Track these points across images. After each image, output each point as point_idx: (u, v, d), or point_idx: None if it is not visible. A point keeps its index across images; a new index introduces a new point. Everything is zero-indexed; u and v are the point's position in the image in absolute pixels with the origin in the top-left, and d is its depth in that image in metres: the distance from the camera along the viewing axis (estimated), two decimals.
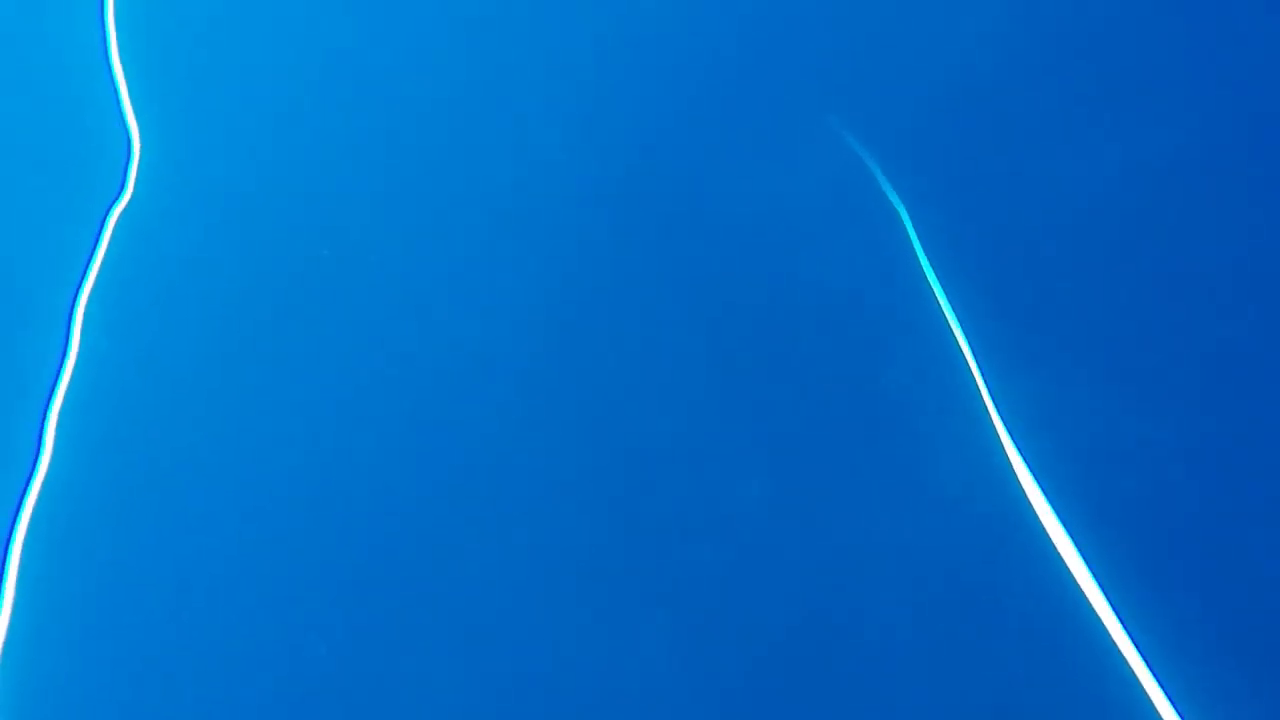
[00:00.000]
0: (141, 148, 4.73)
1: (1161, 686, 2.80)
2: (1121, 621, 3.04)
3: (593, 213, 4.49)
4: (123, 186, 4.57)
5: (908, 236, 4.44)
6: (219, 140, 4.74)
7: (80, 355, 4.21)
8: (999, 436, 3.64)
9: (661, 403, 4.12)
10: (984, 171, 4.59)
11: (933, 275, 4.32)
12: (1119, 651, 2.97)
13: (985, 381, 3.83)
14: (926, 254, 4.39)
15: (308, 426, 4.11)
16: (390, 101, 4.80)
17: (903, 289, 4.36)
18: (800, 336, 4.27)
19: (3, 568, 3.71)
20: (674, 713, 3.46)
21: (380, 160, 4.66)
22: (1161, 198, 4.35)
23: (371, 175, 4.61)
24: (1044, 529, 3.31)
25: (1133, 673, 2.99)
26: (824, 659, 3.48)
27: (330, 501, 3.95)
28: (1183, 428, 3.81)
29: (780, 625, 3.57)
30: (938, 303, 4.23)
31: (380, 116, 4.75)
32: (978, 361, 3.90)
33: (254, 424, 4.11)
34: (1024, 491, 3.45)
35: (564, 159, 4.61)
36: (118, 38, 4.97)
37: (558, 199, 4.49)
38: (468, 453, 4.03)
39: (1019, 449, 3.55)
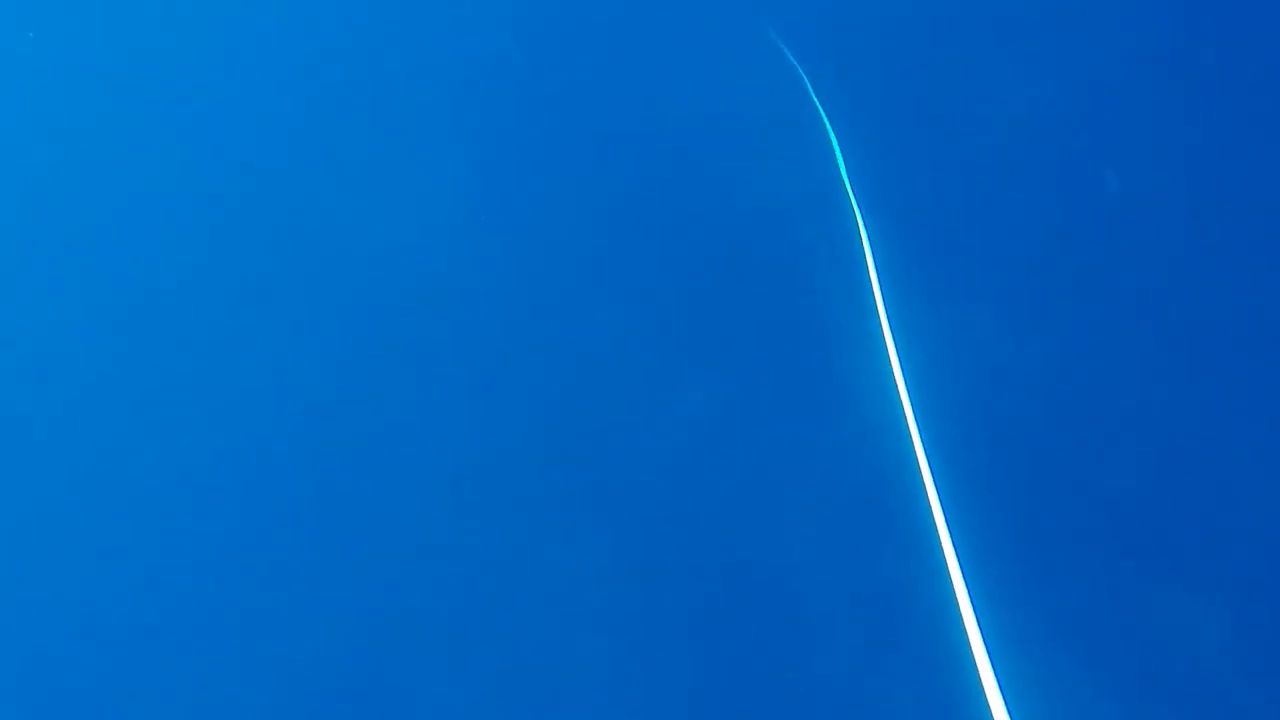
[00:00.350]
0: None
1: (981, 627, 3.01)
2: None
3: (530, 120, 4.54)
4: None
5: (834, 152, 4.54)
6: None
7: None
8: (893, 371, 3.81)
9: (591, 310, 4.27)
10: (911, 90, 4.67)
11: (852, 195, 4.43)
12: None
13: (886, 308, 3.97)
14: (849, 170, 4.50)
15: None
16: None
17: (825, 204, 4.48)
18: (724, 248, 4.39)
19: None
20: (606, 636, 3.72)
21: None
22: (1075, 129, 4.43)
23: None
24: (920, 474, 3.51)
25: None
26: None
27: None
28: (1065, 352, 4.00)
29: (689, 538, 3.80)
30: (855, 219, 4.35)
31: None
32: (883, 287, 4.04)
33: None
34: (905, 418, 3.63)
35: (500, 65, 4.64)
36: None
37: (496, 107, 4.53)
38: (402, 364, 4.20)
39: (907, 385, 3.73)
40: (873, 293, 4.14)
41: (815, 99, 4.64)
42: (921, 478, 3.36)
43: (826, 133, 4.61)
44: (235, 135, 4.71)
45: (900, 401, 3.68)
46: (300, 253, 4.47)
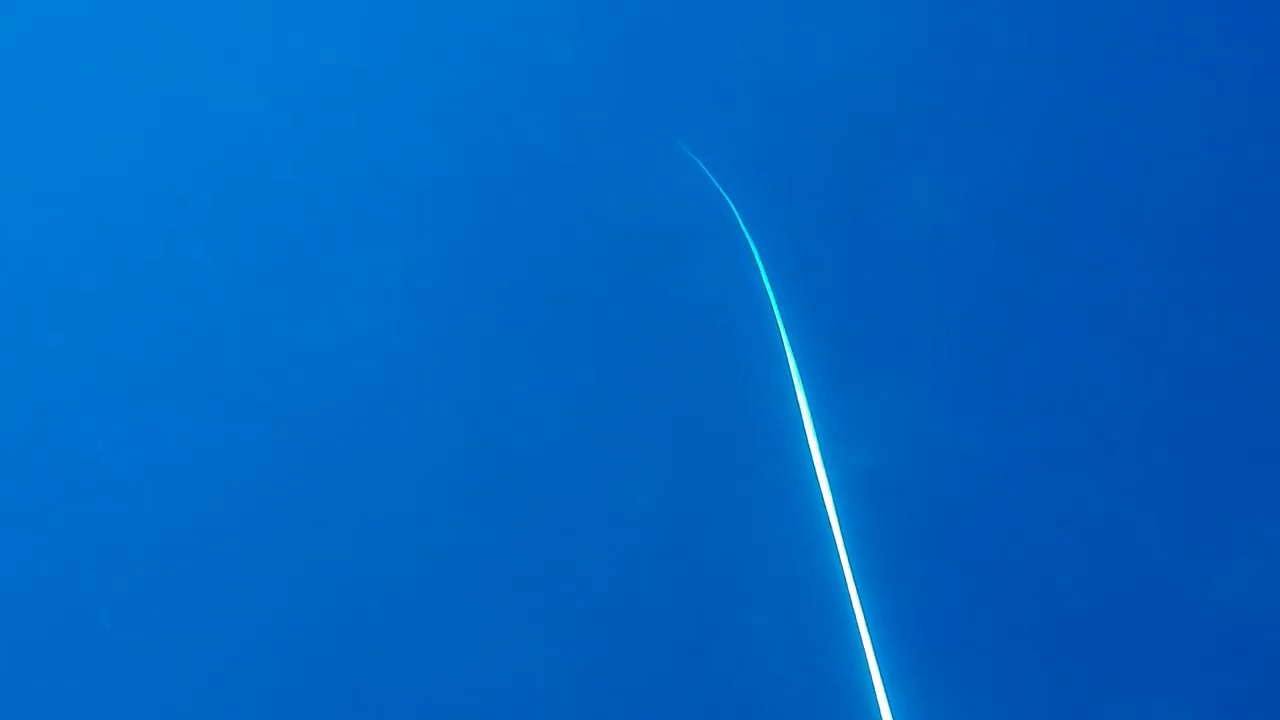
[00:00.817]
0: None
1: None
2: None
3: (463, 225, 4.76)
4: None
5: (753, 256, 4.77)
6: None
7: None
8: (810, 449, 4.00)
9: (515, 404, 4.44)
10: (826, 196, 4.94)
11: (772, 294, 4.65)
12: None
13: (806, 394, 4.17)
14: (768, 271, 4.73)
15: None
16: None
17: (747, 305, 4.70)
18: (652, 349, 4.61)
19: None
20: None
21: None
22: (986, 223, 4.69)
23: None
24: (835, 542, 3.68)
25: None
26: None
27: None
28: (983, 437, 4.21)
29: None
30: (776, 320, 4.56)
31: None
32: (802, 375, 4.24)
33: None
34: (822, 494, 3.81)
35: (438, 175, 4.87)
36: None
37: (431, 211, 4.75)
38: (350, 460, 4.34)
39: (824, 462, 3.92)
40: (794, 386, 4.34)
41: (730, 202, 4.87)
42: (847, 582, 3.51)
43: (744, 236, 4.83)
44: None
45: (824, 501, 3.86)
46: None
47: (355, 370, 4.56)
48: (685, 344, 4.72)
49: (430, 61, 5.20)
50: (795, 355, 4.38)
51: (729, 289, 4.77)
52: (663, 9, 5.29)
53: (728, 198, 4.90)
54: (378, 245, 4.79)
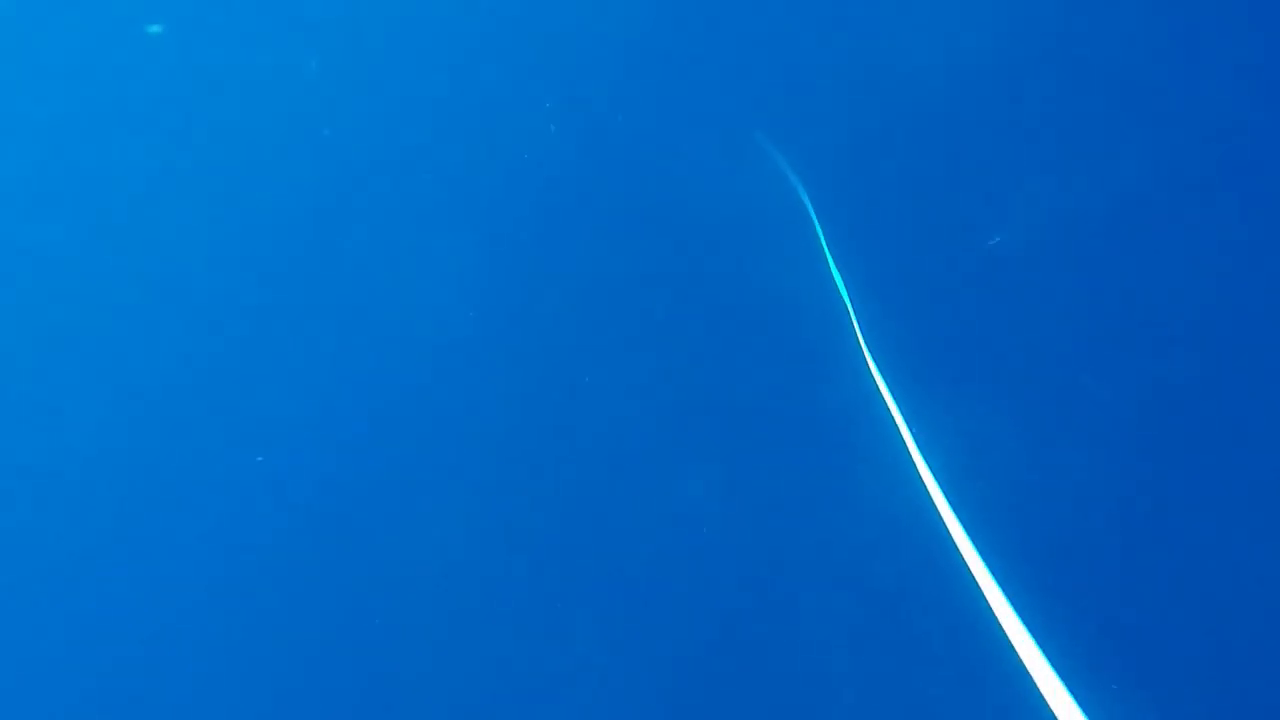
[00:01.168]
0: None
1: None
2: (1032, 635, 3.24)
3: (539, 216, 4.64)
4: None
5: (823, 249, 4.66)
6: None
7: None
8: (915, 465, 3.83)
9: (599, 397, 4.32)
10: (905, 190, 4.80)
11: (845, 291, 4.53)
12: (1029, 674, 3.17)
13: (901, 409, 4.00)
14: (841, 270, 4.61)
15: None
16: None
17: (816, 298, 4.58)
18: (726, 341, 4.50)
19: None
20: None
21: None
22: (1080, 241, 4.48)
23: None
24: (959, 553, 3.52)
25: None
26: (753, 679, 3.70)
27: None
28: (1094, 462, 4.05)
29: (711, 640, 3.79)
30: (850, 318, 4.44)
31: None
32: (894, 394, 4.07)
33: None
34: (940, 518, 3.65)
35: (511, 165, 4.75)
36: None
37: (523, 206, 4.62)
38: (409, 451, 4.22)
39: (935, 478, 3.76)
40: (876, 385, 4.20)
41: (804, 195, 4.76)
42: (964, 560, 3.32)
43: (815, 230, 4.73)
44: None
45: (926, 491, 3.68)
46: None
47: (417, 359, 4.45)
48: (752, 338, 4.60)
49: (507, 50, 5.09)
50: (871, 354, 4.24)
51: (799, 282, 4.66)
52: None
53: (801, 190, 4.79)
54: (452, 234, 4.67)
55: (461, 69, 4.95)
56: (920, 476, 3.76)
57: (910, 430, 3.91)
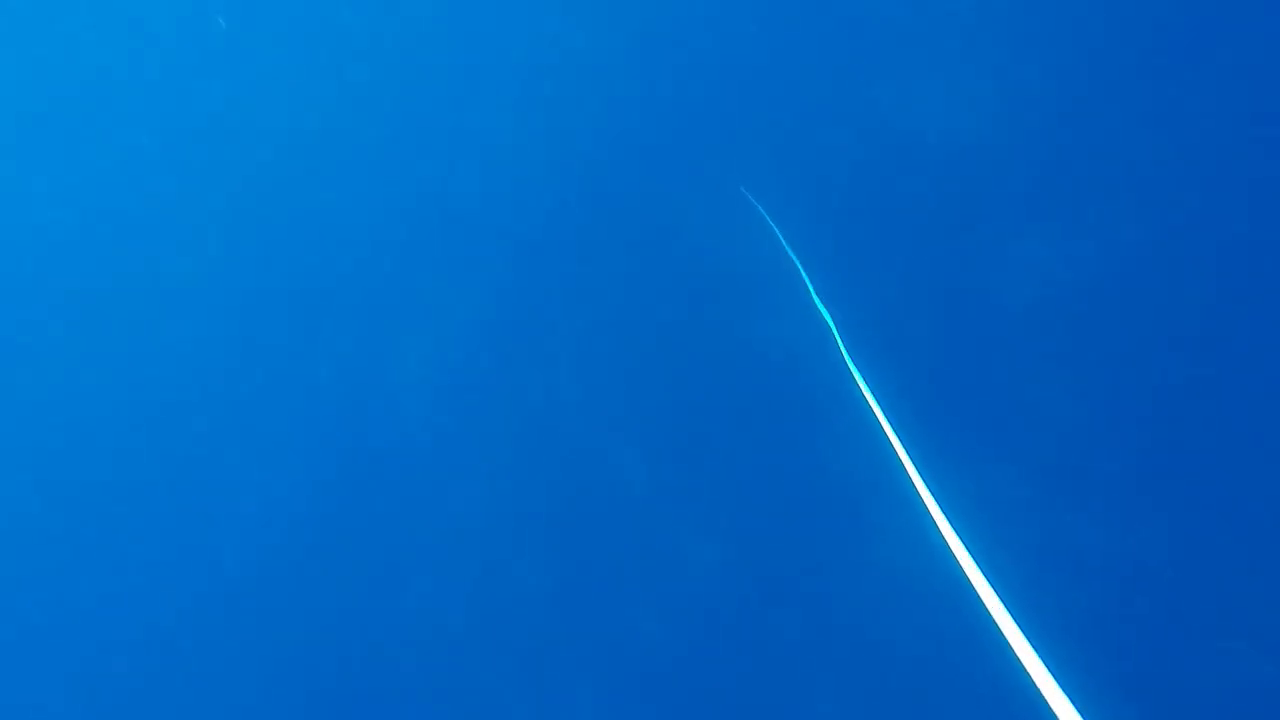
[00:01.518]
0: None
1: None
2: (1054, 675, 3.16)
3: (525, 264, 4.59)
4: None
5: (811, 294, 4.59)
6: None
7: None
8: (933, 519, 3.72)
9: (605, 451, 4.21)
10: (893, 255, 4.77)
11: (845, 351, 4.47)
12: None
13: (916, 465, 3.88)
14: (834, 321, 4.55)
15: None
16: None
17: (809, 349, 4.50)
18: (729, 398, 4.41)
19: None
20: None
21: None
22: (1079, 299, 4.40)
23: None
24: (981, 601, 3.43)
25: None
26: None
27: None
28: (1111, 529, 3.97)
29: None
30: (853, 375, 4.36)
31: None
32: (910, 452, 3.94)
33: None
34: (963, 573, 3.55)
35: (501, 217, 4.70)
36: None
37: (513, 245, 4.58)
38: (421, 515, 4.09)
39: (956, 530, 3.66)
40: (887, 437, 4.13)
41: (784, 242, 4.73)
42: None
43: (803, 278, 4.68)
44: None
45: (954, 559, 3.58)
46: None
47: (426, 410, 4.39)
48: (750, 386, 4.54)
49: (500, 105, 5.11)
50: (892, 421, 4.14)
51: (785, 328, 4.60)
52: (731, 52, 5.20)
53: (782, 238, 4.75)
54: (453, 287, 4.65)
55: (468, 130, 4.93)
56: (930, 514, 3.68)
57: (918, 472, 3.85)
